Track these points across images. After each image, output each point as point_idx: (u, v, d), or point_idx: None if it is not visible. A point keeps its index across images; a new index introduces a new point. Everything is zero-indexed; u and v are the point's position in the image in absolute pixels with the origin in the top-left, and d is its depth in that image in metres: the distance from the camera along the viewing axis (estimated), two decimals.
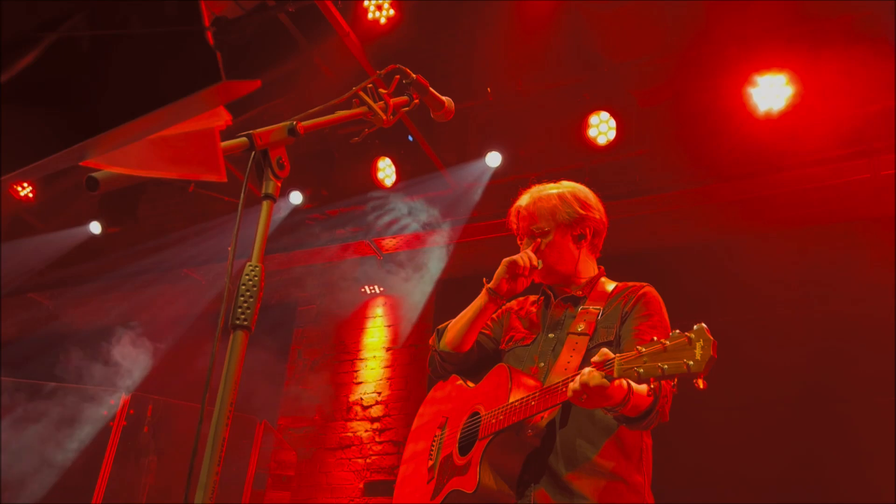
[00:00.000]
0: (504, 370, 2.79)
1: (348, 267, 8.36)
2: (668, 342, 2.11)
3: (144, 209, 8.44)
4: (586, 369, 2.28)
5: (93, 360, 8.99)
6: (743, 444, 5.67)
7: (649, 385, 2.41)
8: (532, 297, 3.20)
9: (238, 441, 7.91)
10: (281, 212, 7.38)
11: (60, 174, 7.64)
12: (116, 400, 7.75)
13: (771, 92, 5.15)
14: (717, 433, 5.76)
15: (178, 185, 8.18)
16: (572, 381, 2.33)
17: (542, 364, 2.81)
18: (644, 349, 2.16)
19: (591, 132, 5.84)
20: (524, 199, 3.07)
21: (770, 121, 5.20)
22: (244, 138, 1.77)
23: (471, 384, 3.03)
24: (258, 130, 1.80)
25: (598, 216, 3.07)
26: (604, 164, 6.11)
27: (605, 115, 5.81)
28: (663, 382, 2.41)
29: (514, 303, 3.22)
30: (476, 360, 3.12)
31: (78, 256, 8.61)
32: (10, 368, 8.88)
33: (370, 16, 5.85)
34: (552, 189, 3.06)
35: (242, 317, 1.62)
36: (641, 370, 2.14)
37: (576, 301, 2.94)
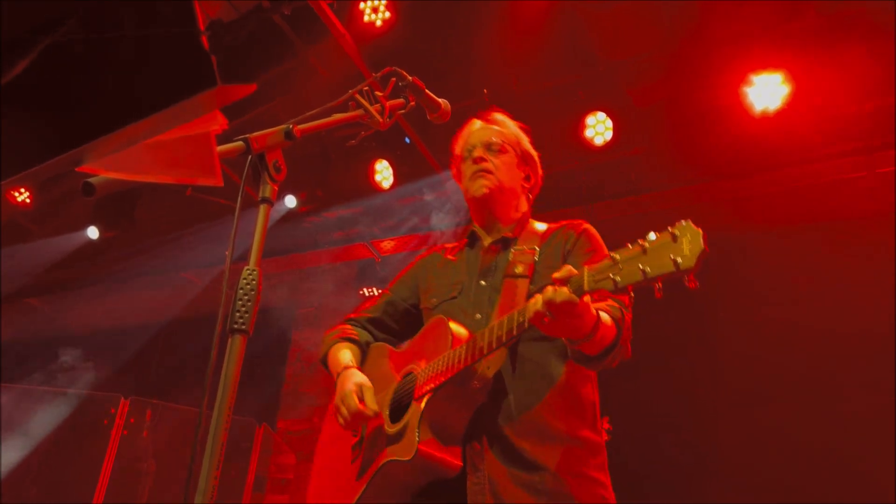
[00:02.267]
0: (442, 322, 2.46)
1: (346, 269, 8.36)
2: (647, 244, 1.84)
3: (141, 213, 8.43)
4: (549, 287, 1.99)
5: (91, 365, 8.99)
6: (742, 443, 5.68)
7: (621, 302, 2.24)
8: (449, 245, 2.95)
9: (237, 444, 7.91)
10: (279, 215, 7.38)
11: (57, 179, 7.64)
12: (115, 404, 7.75)
13: (766, 91, 5.16)
14: (716, 432, 5.77)
15: (175, 189, 8.17)
16: (533, 302, 2.03)
17: (479, 316, 2.50)
18: (618, 255, 1.88)
19: (588, 132, 5.84)
20: (485, 118, 2.92)
21: (766, 119, 5.20)
22: (241, 142, 1.77)
23: (403, 346, 2.73)
24: (254, 134, 1.80)
25: (541, 173, 2.91)
26: (600, 163, 6.11)
27: (601, 115, 5.82)
28: (626, 315, 2.28)
29: (428, 257, 2.96)
30: (392, 328, 2.87)
31: (75, 261, 8.60)
32: (8, 374, 8.86)
33: (366, 18, 5.85)
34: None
35: (241, 320, 1.62)
36: (619, 277, 1.85)
37: (506, 243, 2.69)
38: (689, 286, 1.76)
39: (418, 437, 2.23)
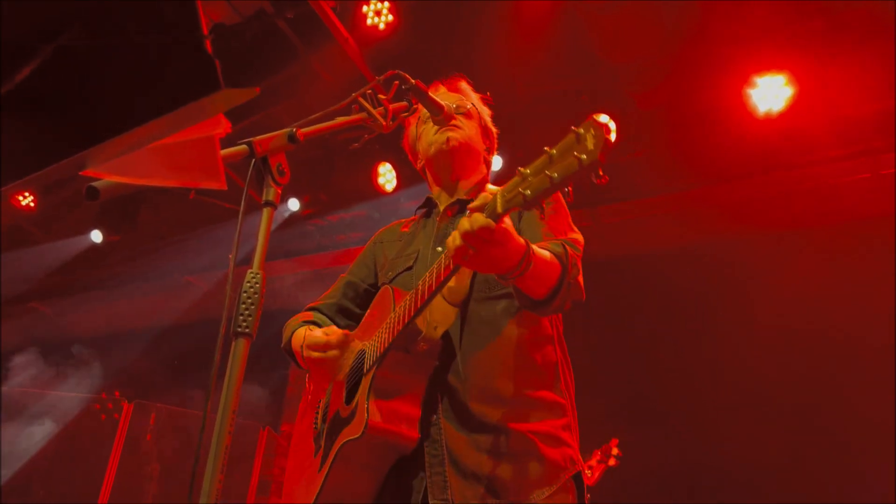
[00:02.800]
0: (387, 290, 2.38)
1: None
2: (553, 150, 1.70)
3: (145, 216, 8.45)
4: (464, 219, 1.86)
5: (95, 369, 9.00)
6: (744, 444, 5.69)
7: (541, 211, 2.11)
8: (405, 220, 2.86)
9: (241, 447, 7.91)
10: (282, 218, 7.40)
11: (61, 183, 7.67)
12: (119, 408, 7.76)
13: (770, 93, 5.16)
14: (718, 433, 5.77)
15: (179, 193, 8.19)
16: (452, 239, 1.90)
17: None
18: (528, 169, 1.74)
19: None
20: (451, 85, 2.81)
21: (770, 121, 5.20)
22: (244, 146, 1.77)
23: (358, 327, 2.63)
24: (258, 138, 1.80)
25: (495, 154, 2.84)
26: (604, 166, 6.09)
27: (604, 118, 5.80)
28: (569, 249, 2.15)
29: (383, 232, 2.88)
30: (353, 311, 2.79)
31: (79, 264, 8.62)
32: (11, 377, 8.88)
33: (369, 21, 5.85)
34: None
35: (244, 324, 1.62)
36: (528, 191, 1.71)
37: (463, 205, 2.56)
38: (598, 182, 1.66)
39: (367, 412, 2.12)
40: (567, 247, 2.18)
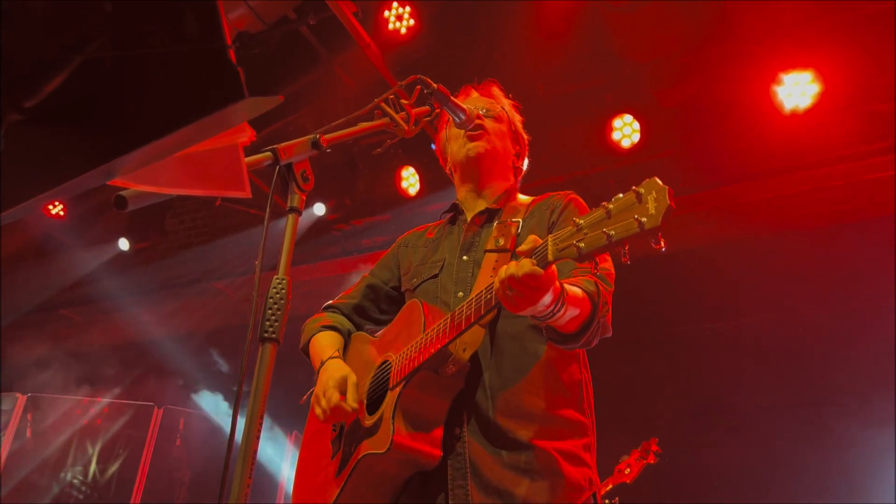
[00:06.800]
0: (416, 305, 2.36)
1: None
2: (611, 206, 1.68)
3: (172, 223, 8.54)
4: (512, 262, 1.86)
5: (124, 375, 9.09)
6: (748, 443, 5.67)
7: (590, 268, 2.04)
8: (431, 224, 2.84)
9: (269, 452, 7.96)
10: (307, 223, 7.43)
11: (89, 192, 7.77)
12: (149, 414, 7.84)
13: (796, 89, 5.10)
14: (722, 433, 5.76)
15: (205, 199, 8.26)
16: (498, 278, 1.90)
17: (462, 293, 2.40)
18: (582, 220, 1.72)
19: (615, 135, 5.80)
20: (482, 90, 2.84)
21: (796, 118, 5.14)
22: (269, 153, 1.79)
23: (381, 333, 2.61)
24: (282, 145, 1.81)
25: (526, 159, 2.86)
26: (627, 166, 6.06)
27: (628, 117, 5.77)
28: (601, 288, 2.13)
29: (408, 236, 2.87)
30: (373, 314, 2.79)
31: (107, 272, 8.72)
32: (42, 384, 9.00)
33: (390, 26, 5.87)
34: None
35: (271, 329, 1.63)
36: (583, 244, 1.70)
37: (491, 215, 2.59)
38: (656, 248, 1.63)
39: (393, 428, 2.13)
40: (600, 285, 2.16)
